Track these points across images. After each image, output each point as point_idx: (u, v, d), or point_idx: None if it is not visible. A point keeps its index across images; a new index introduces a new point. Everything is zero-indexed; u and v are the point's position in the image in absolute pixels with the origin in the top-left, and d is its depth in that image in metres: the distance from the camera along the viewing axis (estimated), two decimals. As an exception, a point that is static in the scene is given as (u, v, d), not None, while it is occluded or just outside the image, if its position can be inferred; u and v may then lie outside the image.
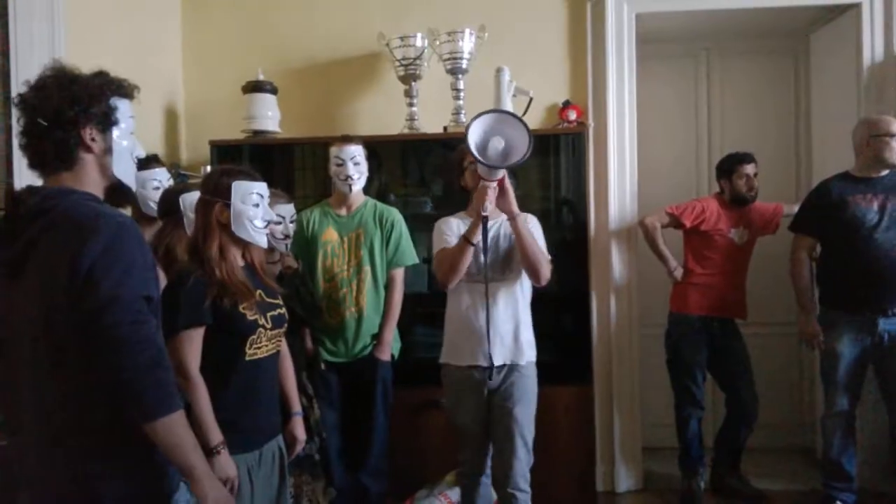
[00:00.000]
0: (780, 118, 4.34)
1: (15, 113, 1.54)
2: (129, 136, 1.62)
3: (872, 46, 3.63)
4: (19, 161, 2.58)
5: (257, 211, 2.01)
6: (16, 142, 2.49)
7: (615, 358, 3.71)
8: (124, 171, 1.61)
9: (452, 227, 2.67)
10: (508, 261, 2.62)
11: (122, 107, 1.59)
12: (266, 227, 2.05)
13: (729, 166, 3.58)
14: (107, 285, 1.38)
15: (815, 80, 4.14)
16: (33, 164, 1.55)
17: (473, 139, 2.36)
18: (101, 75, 1.58)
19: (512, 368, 2.61)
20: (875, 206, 3.13)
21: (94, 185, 1.55)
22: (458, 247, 2.54)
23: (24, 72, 2.62)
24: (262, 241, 2.06)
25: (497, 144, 2.39)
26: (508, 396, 2.59)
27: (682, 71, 4.39)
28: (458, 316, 2.66)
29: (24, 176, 2.55)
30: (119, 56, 3.12)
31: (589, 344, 3.58)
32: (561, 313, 3.53)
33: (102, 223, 1.42)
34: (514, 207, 2.51)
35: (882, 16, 3.61)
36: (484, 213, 2.45)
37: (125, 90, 1.61)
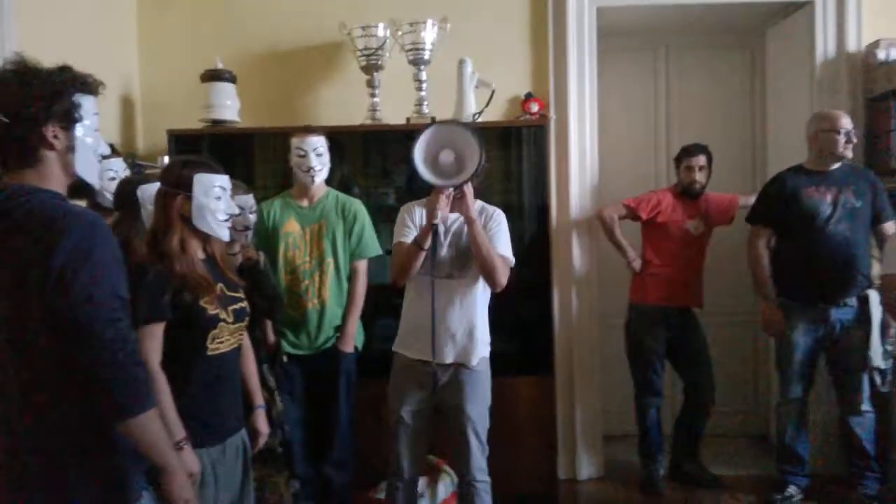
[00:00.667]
0: (736, 112, 4.42)
1: None
2: (94, 133, 1.58)
3: (825, 43, 3.72)
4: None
5: (219, 204, 1.98)
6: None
7: (576, 348, 3.75)
8: (87, 168, 1.57)
9: (415, 218, 2.60)
10: (469, 258, 2.55)
11: (86, 103, 1.55)
12: (228, 220, 2.03)
13: (678, 158, 3.66)
14: (80, 284, 1.36)
15: (770, 74, 4.23)
16: None
17: (420, 155, 2.35)
18: (64, 70, 1.53)
19: (461, 367, 2.57)
20: (828, 198, 3.20)
21: (57, 182, 1.51)
22: (409, 250, 2.50)
23: (-27, 59, 2.54)
24: (224, 235, 2.03)
25: (447, 158, 2.38)
26: (459, 394, 2.56)
27: (642, 64, 4.44)
28: (410, 308, 2.65)
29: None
30: (72, 43, 3.03)
31: (550, 334, 3.61)
32: (522, 304, 3.55)
33: (72, 222, 1.40)
34: (472, 212, 2.45)
35: (834, 13, 3.70)
36: (434, 222, 2.43)
37: (90, 87, 1.56)
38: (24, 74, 1.47)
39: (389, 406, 2.65)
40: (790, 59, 3.97)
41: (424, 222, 2.51)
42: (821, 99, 3.68)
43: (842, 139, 3.20)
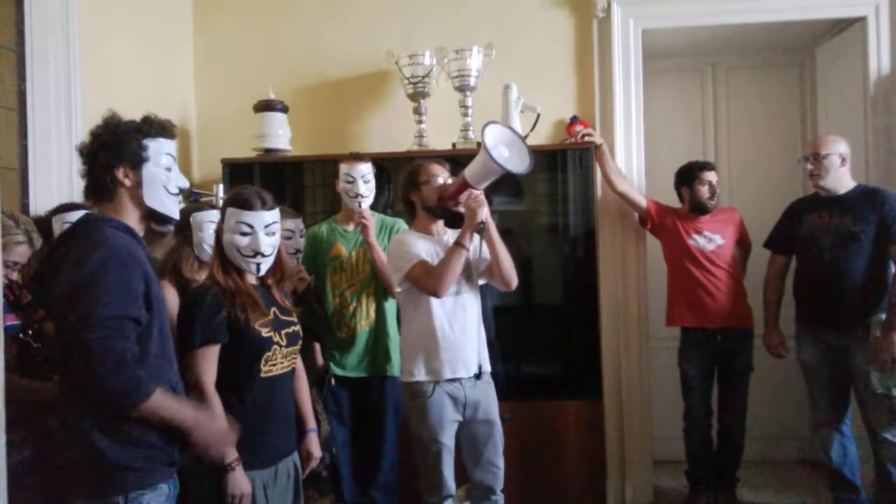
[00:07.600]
0: (786, 132, 4.35)
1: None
2: (164, 171, 1.82)
3: (879, 59, 3.64)
4: (35, 181, 2.70)
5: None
6: (31, 162, 2.71)
7: (624, 372, 3.71)
8: (157, 200, 1.81)
9: (417, 244, 2.64)
10: (471, 272, 2.67)
11: (155, 146, 1.81)
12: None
13: None
14: (84, 303, 1.60)
15: (821, 93, 4.15)
16: (87, 196, 1.85)
17: (491, 141, 2.45)
18: (144, 121, 1.84)
19: (481, 376, 2.65)
20: (828, 224, 3.16)
21: (129, 214, 1.80)
22: (453, 253, 2.51)
23: (41, 96, 2.71)
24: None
25: (503, 152, 2.47)
26: (486, 406, 2.64)
27: (689, 85, 4.42)
28: (432, 329, 2.59)
29: (40, 195, 2.68)
30: (133, 75, 3.16)
31: (598, 358, 3.59)
32: (570, 328, 3.54)
33: (100, 246, 1.66)
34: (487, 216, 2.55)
35: (888, 28, 3.63)
36: (481, 221, 2.49)
37: (167, 132, 1.85)
38: (108, 126, 1.80)
39: (423, 436, 2.60)
40: (842, 77, 3.90)
41: (426, 248, 2.62)
42: (874, 117, 3.61)
43: (805, 166, 3.22)
